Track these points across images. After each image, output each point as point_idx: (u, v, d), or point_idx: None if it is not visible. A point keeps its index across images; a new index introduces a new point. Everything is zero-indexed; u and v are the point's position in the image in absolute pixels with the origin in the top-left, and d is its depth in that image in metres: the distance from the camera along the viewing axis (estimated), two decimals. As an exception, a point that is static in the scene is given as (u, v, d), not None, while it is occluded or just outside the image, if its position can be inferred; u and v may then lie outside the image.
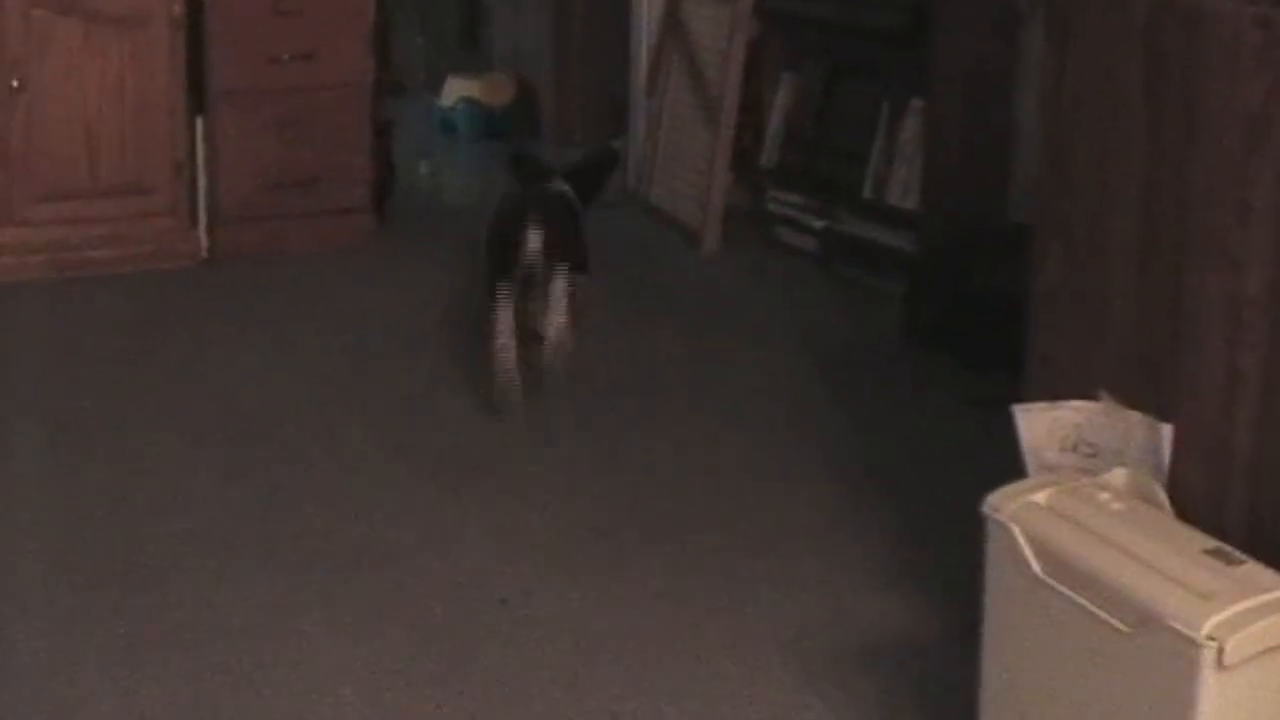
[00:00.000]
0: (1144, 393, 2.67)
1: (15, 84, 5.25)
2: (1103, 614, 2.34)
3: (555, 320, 4.22)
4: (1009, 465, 2.76)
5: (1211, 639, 2.19)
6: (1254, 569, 2.32)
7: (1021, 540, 2.49)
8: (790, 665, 3.09)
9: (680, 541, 3.59)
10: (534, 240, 4.11)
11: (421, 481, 3.88)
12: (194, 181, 5.56)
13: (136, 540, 3.54)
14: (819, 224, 5.69)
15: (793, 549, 3.57)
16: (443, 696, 2.96)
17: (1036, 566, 2.47)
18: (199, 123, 5.55)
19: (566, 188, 4.42)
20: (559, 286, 4.20)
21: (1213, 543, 2.39)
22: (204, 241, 5.59)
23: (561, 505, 3.77)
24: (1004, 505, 2.54)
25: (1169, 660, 2.24)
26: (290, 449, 4.05)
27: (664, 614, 3.28)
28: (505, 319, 4.15)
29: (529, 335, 4.24)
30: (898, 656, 3.14)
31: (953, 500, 3.12)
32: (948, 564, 3.35)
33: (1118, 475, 2.62)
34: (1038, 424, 2.80)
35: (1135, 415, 2.66)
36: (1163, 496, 2.58)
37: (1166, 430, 2.62)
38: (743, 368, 4.73)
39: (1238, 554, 2.36)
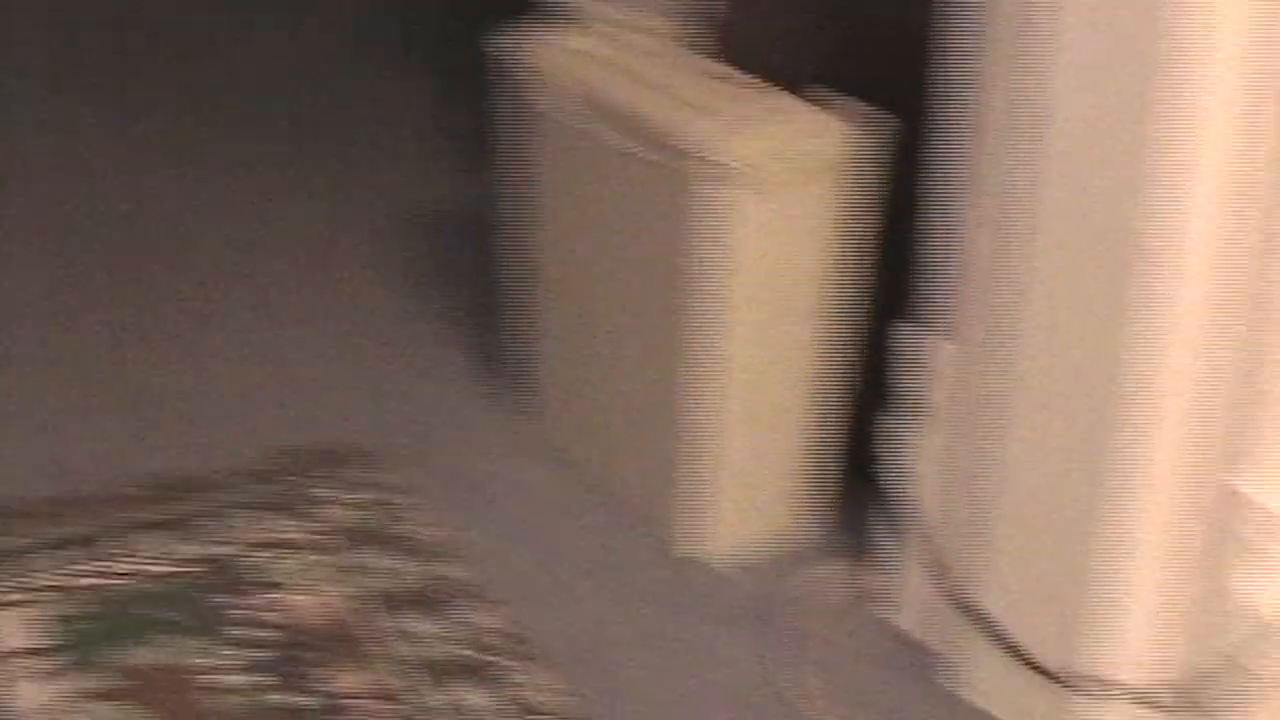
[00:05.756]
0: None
1: None
2: (635, 147, 2.38)
3: None
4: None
5: (743, 164, 2.26)
6: (780, 96, 2.38)
7: (547, 80, 2.52)
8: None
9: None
10: None
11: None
12: None
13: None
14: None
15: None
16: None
17: (557, 104, 2.50)
18: None
19: None
20: None
21: (723, 69, 2.44)
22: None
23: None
24: (524, 48, 2.55)
25: (701, 187, 2.28)
26: None
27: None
28: None
29: None
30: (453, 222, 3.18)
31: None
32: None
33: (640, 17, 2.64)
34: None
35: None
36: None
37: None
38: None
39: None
